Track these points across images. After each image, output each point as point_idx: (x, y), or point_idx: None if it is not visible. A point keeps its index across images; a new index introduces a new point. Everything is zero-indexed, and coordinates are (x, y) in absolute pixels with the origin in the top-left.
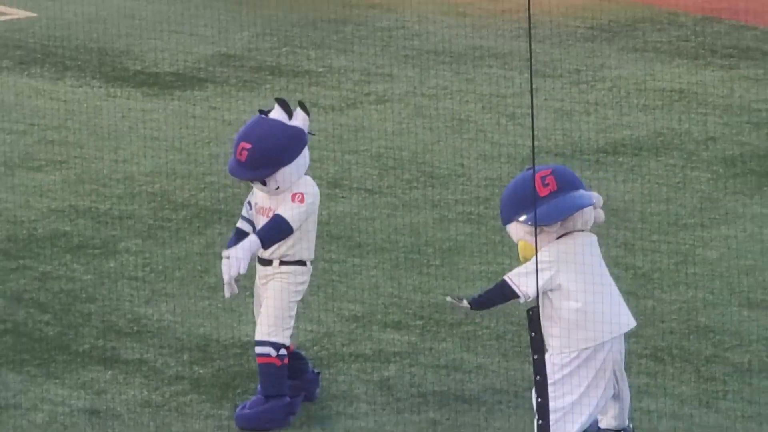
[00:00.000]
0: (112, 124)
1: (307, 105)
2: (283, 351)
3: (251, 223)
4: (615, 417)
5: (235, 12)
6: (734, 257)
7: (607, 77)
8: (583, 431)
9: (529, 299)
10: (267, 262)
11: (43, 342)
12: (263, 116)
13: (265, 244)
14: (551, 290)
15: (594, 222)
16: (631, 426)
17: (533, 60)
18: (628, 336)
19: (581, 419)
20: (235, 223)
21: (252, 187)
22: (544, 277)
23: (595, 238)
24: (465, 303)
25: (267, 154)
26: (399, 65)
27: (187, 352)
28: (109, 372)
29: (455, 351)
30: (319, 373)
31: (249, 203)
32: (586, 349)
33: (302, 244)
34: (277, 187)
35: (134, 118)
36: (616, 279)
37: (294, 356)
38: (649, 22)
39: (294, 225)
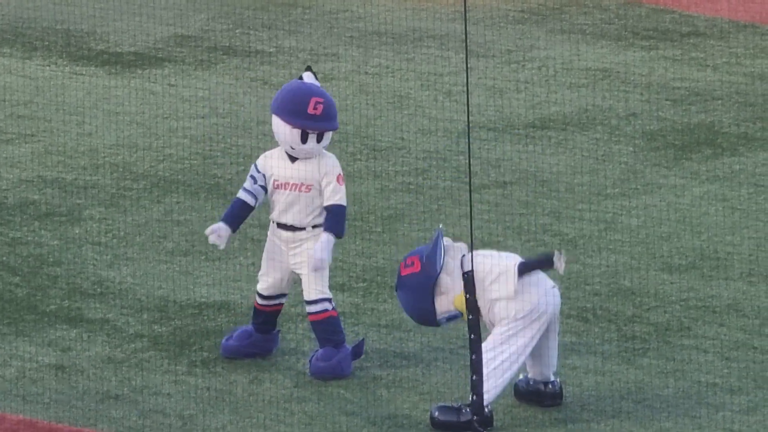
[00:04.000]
0: (77, 100)
1: (258, 83)
2: (333, 302)
3: (254, 196)
4: (541, 371)
5: None
6: (654, 225)
7: (536, 57)
8: (512, 383)
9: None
10: (297, 229)
11: (12, 303)
12: (301, 81)
13: (341, 235)
14: (492, 275)
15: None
16: (558, 381)
17: (468, 41)
18: None
19: (511, 374)
20: (191, 192)
21: (256, 163)
22: (511, 280)
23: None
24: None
25: (334, 107)
26: (344, 46)
27: (147, 312)
28: (75, 330)
29: (395, 311)
30: (278, 331)
31: (254, 177)
32: (524, 317)
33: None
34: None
35: (98, 95)
36: (544, 245)
37: (275, 314)
38: (575, 5)
39: (346, 203)
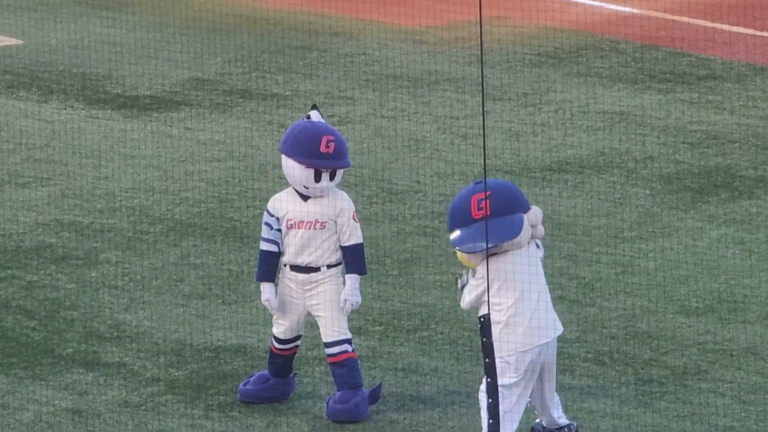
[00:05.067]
0: (93, 144)
1: (275, 126)
2: (353, 344)
3: (276, 243)
4: (548, 417)
5: (208, 39)
6: (671, 268)
7: (553, 100)
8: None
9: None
10: (312, 270)
11: (29, 346)
12: (309, 120)
13: (365, 272)
14: (482, 302)
15: (533, 237)
16: (574, 425)
17: (485, 84)
18: (572, 341)
19: (505, 417)
20: (208, 235)
21: (267, 208)
22: (474, 293)
23: (528, 251)
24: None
25: (345, 144)
26: (360, 89)
27: (163, 355)
28: (91, 374)
29: (412, 355)
30: (295, 374)
31: (269, 224)
32: (510, 355)
33: (338, 247)
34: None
35: (114, 138)
36: (561, 288)
37: (291, 357)
38: (592, 49)
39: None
